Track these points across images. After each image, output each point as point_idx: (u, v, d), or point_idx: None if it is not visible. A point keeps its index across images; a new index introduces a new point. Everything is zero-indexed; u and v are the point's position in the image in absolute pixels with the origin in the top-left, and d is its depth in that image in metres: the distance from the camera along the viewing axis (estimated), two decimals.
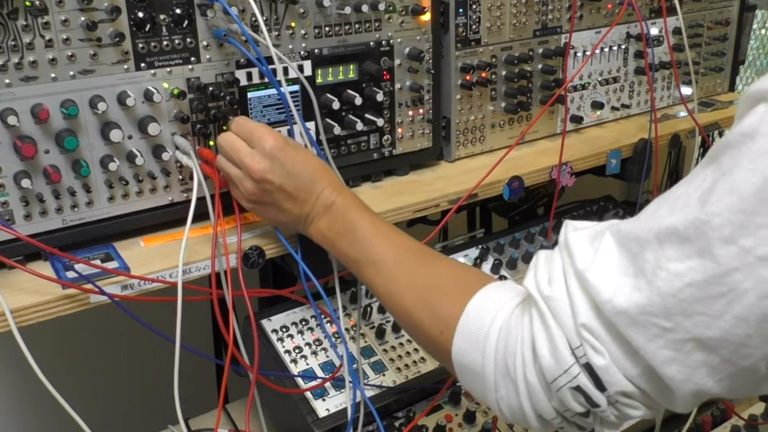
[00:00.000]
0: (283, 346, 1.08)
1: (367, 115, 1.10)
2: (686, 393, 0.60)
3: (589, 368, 0.63)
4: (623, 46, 1.45)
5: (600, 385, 0.63)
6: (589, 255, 0.63)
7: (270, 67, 0.99)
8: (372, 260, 0.86)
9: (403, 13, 1.12)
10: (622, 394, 0.63)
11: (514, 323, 0.69)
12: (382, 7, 1.07)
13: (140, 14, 0.90)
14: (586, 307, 0.62)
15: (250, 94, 1.02)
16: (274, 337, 1.09)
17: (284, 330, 1.10)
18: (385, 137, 1.16)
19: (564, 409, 0.66)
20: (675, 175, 1.99)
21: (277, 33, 1.01)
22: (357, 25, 1.08)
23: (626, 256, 0.61)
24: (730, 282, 0.54)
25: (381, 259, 0.86)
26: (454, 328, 0.73)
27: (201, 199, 0.94)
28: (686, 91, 1.54)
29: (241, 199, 0.95)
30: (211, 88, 0.97)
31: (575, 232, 0.67)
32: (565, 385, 0.64)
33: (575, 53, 1.37)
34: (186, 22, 0.93)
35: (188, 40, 0.95)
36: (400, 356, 1.11)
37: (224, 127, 0.99)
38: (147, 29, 0.91)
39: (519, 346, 0.67)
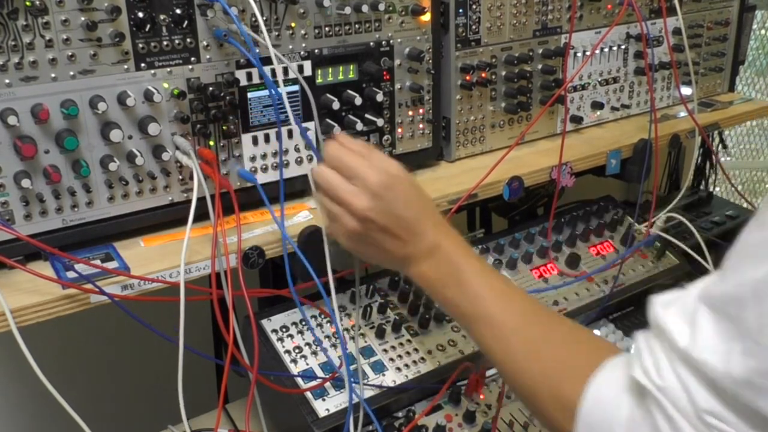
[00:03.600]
0: (283, 346, 1.08)
1: (367, 115, 1.10)
2: None
3: None
4: (623, 47, 1.45)
5: None
6: (686, 331, 0.60)
7: (270, 67, 0.99)
8: (484, 319, 0.81)
9: (403, 13, 1.12)
10: None
11: (641, 418, 0.65)
12: (382, 7, 1.07)
13: (140, 14, 0.90)
14: (701, 390, 0.59)
15: (250, 94, 1.02)
16: (274, 337, 1.09)
17: (284, 330, 1.10)
18: (385, 137, 1.16)
19: None
20: (675, 175, 1.99)
21: (277, 33, 1.01)
22: (357, 25, 1.08)
23: (725, 321, 0.57)
24: None
25: (494, 319, 0.81)
26: (574, 414, 0.70)
27: (201, 199, 0.94)
28: (686, 91, 1.54)
29: (340, 235, 0.89)
30: (211, 88, 0.97)
31: (665, 309, 0.64)
32: None
33: (575, 53, 1.37)
34: (186, 22, 0.93)
35: (188, 40, 0.95)
36: (400, 356, 1.11)
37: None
38: (147, 29, 0.91)
39: None
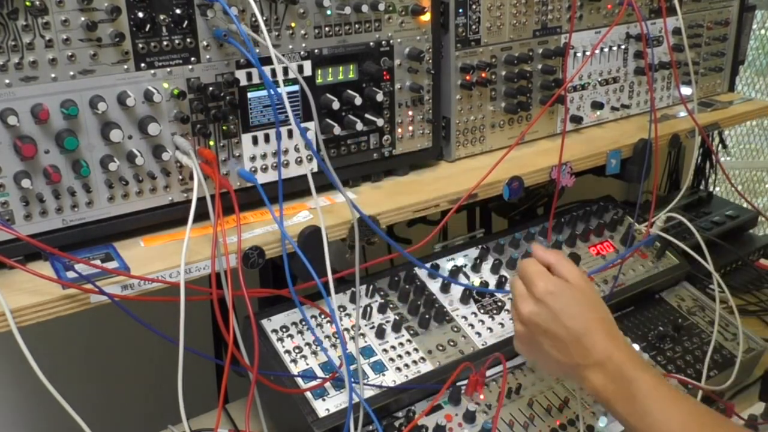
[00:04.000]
0: (283, 346, 1.08)
1: (367, 115, 1.10)
2: None
3: None
4: (623, 46, 1.45)
5: None
6: None
7: (270, 67, 0.99)
8: None
9: (403, 13, 1.12)
10: None
11: None
12: (382, 7, 1.07)
13: (140, 14, 0.90)
14: None
15: (250, 94, 1.02)
16: (274, 337, 1.09)
17: (284, 330, 1.10)
18: (385, 137, 1.16)
19: None
20: (675, 175, 2.00)
21: (277, 33, 1.01)
22: (357, 25, 1.08)
23: None
24: None
25: None
26: None
27: (201, 199, 0.94)
28: (686, 91, 1.54)
29: (515, 319, 0.96)
30: (211, 88, 0.97)
31: None
32: None
33: (575, 53, 1.37)
34: (186, 22, 0.93)
35: (188, 40, 0.95)
36: (400, 356, 1.11)
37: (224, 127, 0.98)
38: (147, 29, 0.91)
39: None
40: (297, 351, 1.08)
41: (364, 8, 1.07)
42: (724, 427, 0.84)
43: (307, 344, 1.09)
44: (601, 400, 0.88)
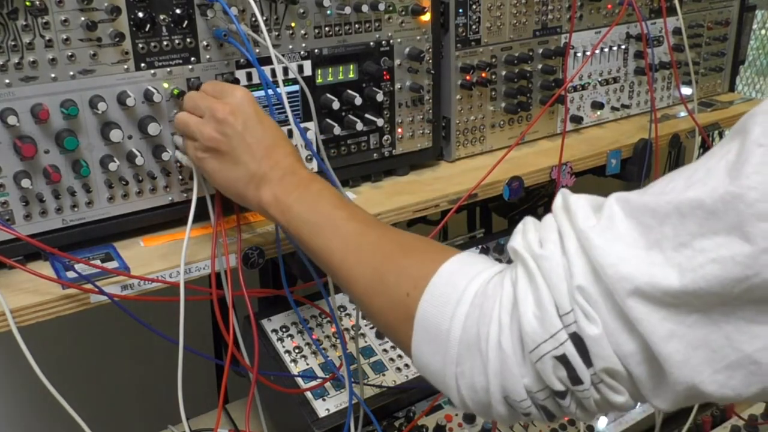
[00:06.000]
0: (283, 346, 1.08)
1: (367, 115, 1.10)
2: (680, 380, 0.55)
3: (576, 339, 0.57)
4: (623, 46, 1.45)
5: (587, 359, 0.57)
6: (592, 219, 0.58)
7: (270, 67, 0.99)
8: (334, 223, 0.78)
9: (403, 13, 1.12)
10: (608, 374, 0.58)
11: (492, 289, 0.63)
12: (382, 7, 1.07)
13: (140, 14, 0.90)
14: (584, 269, 0.57)
15: None
16: (274, 337, 1.09)
17: (284, 330, 1.10)
18: (385, 137, 1.16)
19: (538, 388, 0.61)
20: None
21: (277, 33, 1.01)
22: (357, 25, 1.08)
23: (638, 229, 0.56)
24: (758, 265, 0.50)
25: (345, 221, 0.78)
26: (423, 289, 0.66)
27: (201, 199, 0.94)
28: (686, 91, 1.54)
29: (194, 150, 0.89)
30: None
31: (574, 196, 0.62)
32: (548, 353, 0.58)
33: (575, 53, 1.37)
34: (186, 22, 0.93)
35: (188, 40, 0.95)
36: (400, 356, 1.11)
37: None
38: (147, 29, 0.91)
39: (496, 311, 0.61)
40: (297, 351, 1.08)
41: (364, 8, 1.07)
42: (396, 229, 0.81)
43: (307, 344, 1.09)
44: (279, 207, 0.83)
